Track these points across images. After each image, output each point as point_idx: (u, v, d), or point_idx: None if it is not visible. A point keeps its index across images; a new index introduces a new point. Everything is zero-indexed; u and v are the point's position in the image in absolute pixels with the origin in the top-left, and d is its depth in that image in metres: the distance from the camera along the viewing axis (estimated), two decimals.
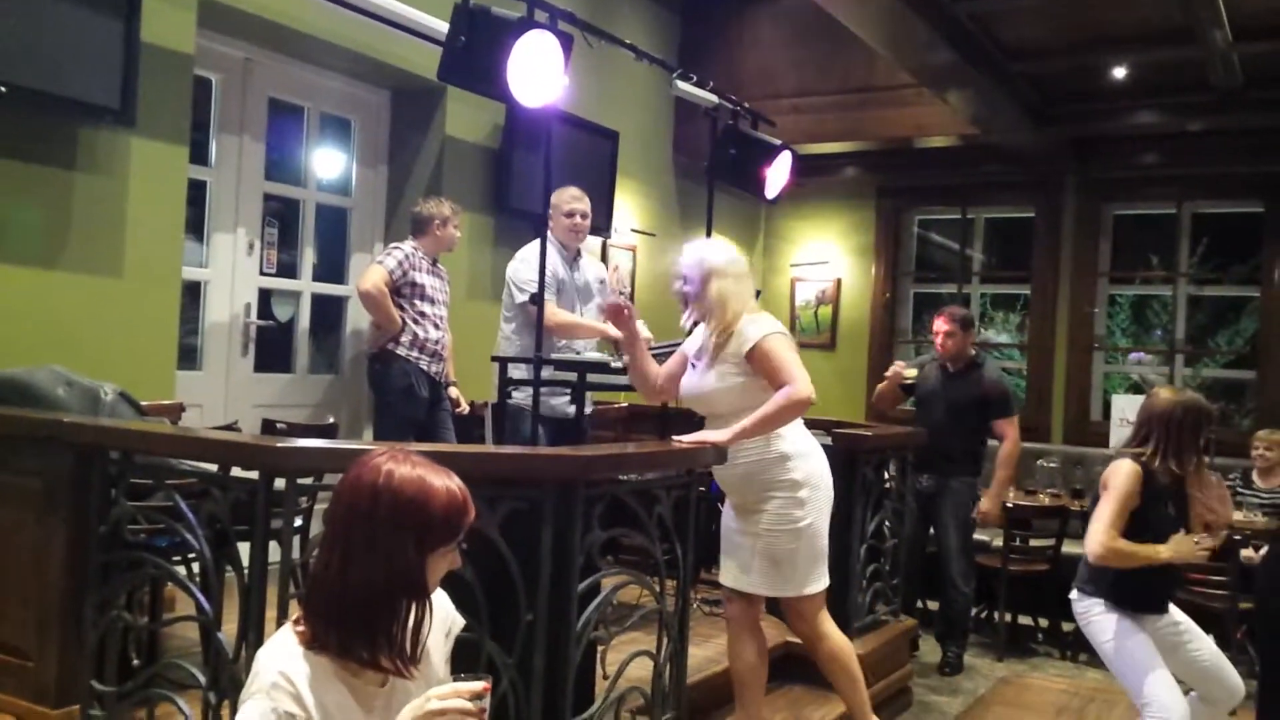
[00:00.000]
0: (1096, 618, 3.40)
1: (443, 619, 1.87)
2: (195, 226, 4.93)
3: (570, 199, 4.77)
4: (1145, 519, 3.33)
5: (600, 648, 2.95)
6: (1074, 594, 3.50)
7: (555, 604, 2.67)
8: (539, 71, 3.88)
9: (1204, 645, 3.45)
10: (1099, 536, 3.30)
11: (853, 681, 3.49)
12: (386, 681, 1.74)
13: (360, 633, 1.67)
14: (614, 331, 4.66)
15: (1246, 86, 6.28)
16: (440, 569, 1.75)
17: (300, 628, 1.70)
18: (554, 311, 4.55)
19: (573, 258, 4.83)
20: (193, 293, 4.93)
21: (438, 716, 1.63)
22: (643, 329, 4.82)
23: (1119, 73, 6.35)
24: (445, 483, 1.72)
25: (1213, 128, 6.97)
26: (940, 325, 5.31)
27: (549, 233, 4.75)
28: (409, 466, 1.71)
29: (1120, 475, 3.36)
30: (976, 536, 5.76)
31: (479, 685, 1.67)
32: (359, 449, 2.71)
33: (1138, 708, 3.32)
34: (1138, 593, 3.37)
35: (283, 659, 1.66)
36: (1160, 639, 3.37)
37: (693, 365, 3.49)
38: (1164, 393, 3.51)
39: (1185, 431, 3.37)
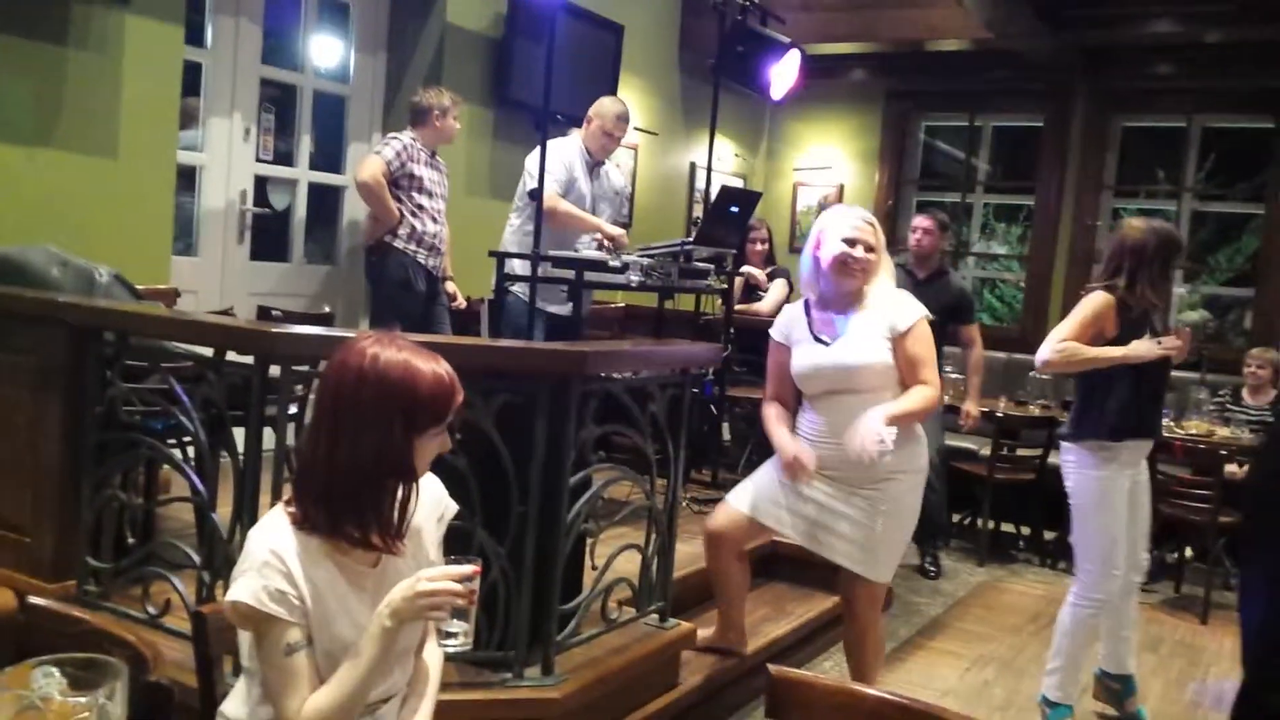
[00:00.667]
0: (1083, 465, 3.43)
1: (435, 503, 1.89)
2: (190, 110, 4.84)
3: (615, 121, 4.76)
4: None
5: (590, 540, 3.00)
6: (1063, 445, 3.52)
7: (547, 496, 2.71)
8: None
9: (1144, 513, 3.59)
10: (1051, 341, 3.33)
11: (879, 660, 3.44)
12: (378, 561, 1.77)
13: (349, 512, 1.69)
14: (612, 229, 4.65)
15: None
16: (430, 451, 1.76)
17: (291, 508, 1.72)
18: (557, 200, 4.54)
19: (594, 164, 4.80)
20: (188, 178, 4.87)
21: (426, 597, 1.66)
22: (609, 228, 4.82)
23: None
24: (432, 366, 1.72)
25: (1229, 39, 6.82)
26: (921, 222, 5.31)
27: (579, 134, 4.75)
28: (395, 350, 1.71)
29: (1089, 301, 3.39)
30: (964, 444, 5.82)
31: (469, 569, 1.69)
32: (353, 336, 2.72)
33: (1080, 571, 3.45)
34: (1125, 417, 3.38)
35: (274, 538, 1.68)
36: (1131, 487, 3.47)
37: (819, 340, 3.09)
38: (1135, 223, 3.51)
39: (1157, 261, 3.39)
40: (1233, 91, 7.30)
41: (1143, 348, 3.32)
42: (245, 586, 1.64)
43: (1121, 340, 3.37)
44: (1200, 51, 7.12)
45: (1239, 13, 6.35)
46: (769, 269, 6.13)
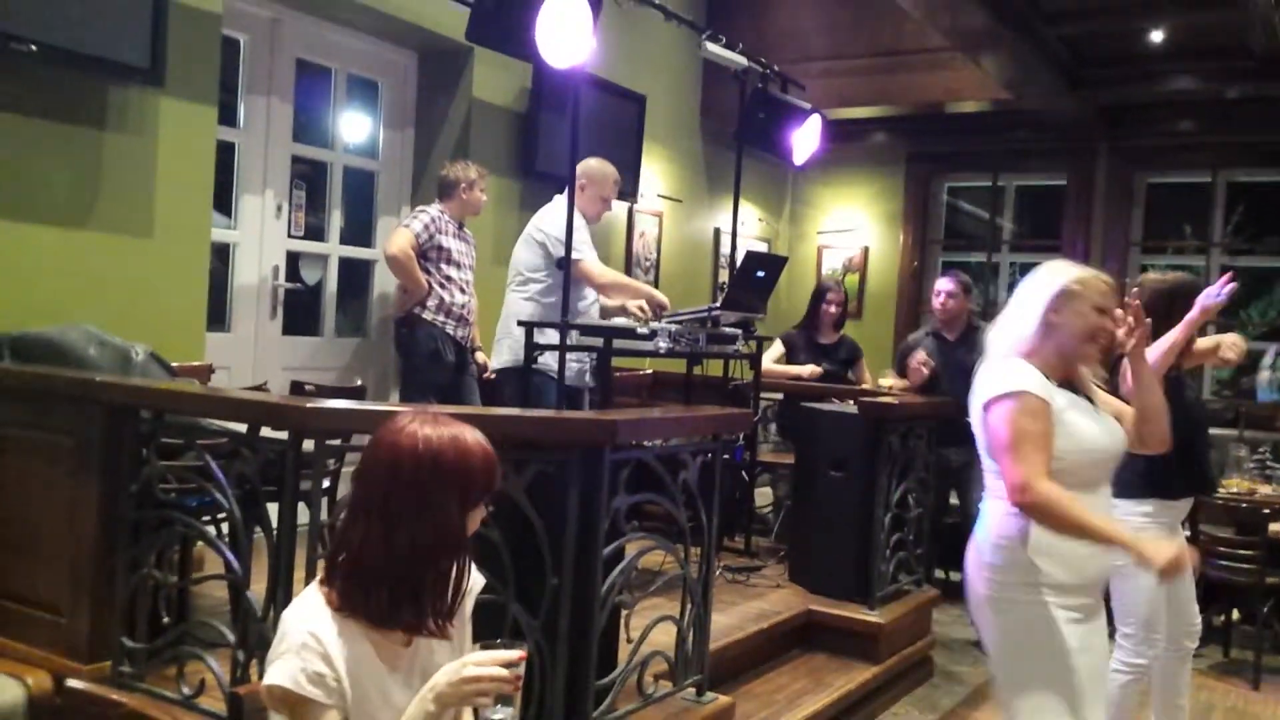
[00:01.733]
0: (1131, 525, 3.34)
1: None
2: (224, 188, 4.93)
3: (614, 185, 4.81)
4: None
5: (624, 612, 2.96)
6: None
7: (580, 568, 2.68)
8: (567, 32, 3.85)
9: (1189, 575, 3.46)
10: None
11: None
12: (410, 641, 1.76)
13: (408, 598, 1.69)
14: (660, 296, 4.67)
15: None
16: (475, 523, 1.78)
17: (325, 589, 1.71)
18: (599, 265, 4.58)
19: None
20: (221, 255, 4.94)
21: (472, 683, 1.63)
22: (658, 294, 4.83)
23: (1156, 36, 6.23)
24: (476, 438, 1.75)
25: (1250, 94, 6.83)
26: (945, 285, 5.33)
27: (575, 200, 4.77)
28: (441, 427, 1.73)
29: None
30: None
31: (515, 654, 1.67)
32: (387, 410, 2.72)
33: (1120, 636, 3.38)
34: (1163, 475, 3.33)
35: (310, 619, 1.67)
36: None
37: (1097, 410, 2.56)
38: (1152, 276, 3.56)
39: (1178, 310, 3.35)
40: (1257, 146, 7.30)
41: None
42: (283, 669, 1.62)
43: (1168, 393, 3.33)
44: (1222, 107, 7.14)
45: (1259, 68, 6.37)
46: (839, 335, 6.01)
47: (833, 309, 5.96)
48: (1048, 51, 6.42)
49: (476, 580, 1.94)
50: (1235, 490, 5.05)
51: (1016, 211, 8.68)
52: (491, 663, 1.65)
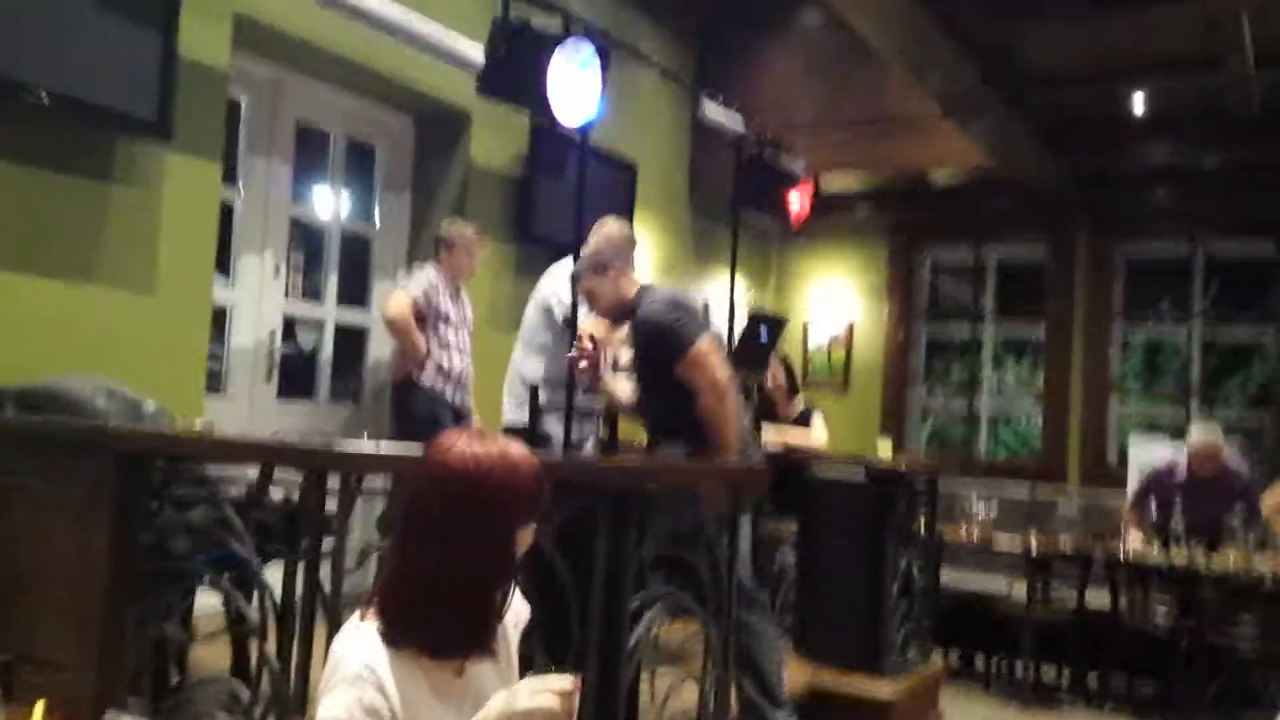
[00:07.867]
0: None
1: (513, 609, 1.82)
2: (222, 249, 4.89)
3: (630, 244, 4.29)
4: None
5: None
6: None
7: (609, 618, 2.60)
8: (577, 85, 3.90)
9: None
10: None
11: None
12: (463, 670, 1.71)
13: (464, 622, 1.65)
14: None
15: (1265, 118, 6.29)
16: (525, 544, 1.72)
17: (373, 621, 1.65)
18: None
19: None
20: (218, 317, 4.88)
21: (525, 715, 1.57)
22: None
23: (1137, 102, 6.37)
24: (523, 453, 1.71)
25: (1227, 163, 6.95)
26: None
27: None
28: (489, 445, 1.68)
29: None
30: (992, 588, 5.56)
31: (568, 683, 1.61)
32: (415, 453, 2.65)
33: None
34: None
35: (364, 650, 1.63)
36: None
37: None
38: None
39: None
40: (1233, 214, 7.39)
41: None
42: (338, 701, 1.58)
43: None
44: (1199, 178, 7.24)
45: (1236, 135, 6.49)
46: (797, 403, 5.81)
47: (769, 384, 5.79)
48: (1030, 117, 6.55)
49: (524, 610, 1.89)
50: None
51: (998, 286, 8.71)
52: (546, 691, 1.59)
